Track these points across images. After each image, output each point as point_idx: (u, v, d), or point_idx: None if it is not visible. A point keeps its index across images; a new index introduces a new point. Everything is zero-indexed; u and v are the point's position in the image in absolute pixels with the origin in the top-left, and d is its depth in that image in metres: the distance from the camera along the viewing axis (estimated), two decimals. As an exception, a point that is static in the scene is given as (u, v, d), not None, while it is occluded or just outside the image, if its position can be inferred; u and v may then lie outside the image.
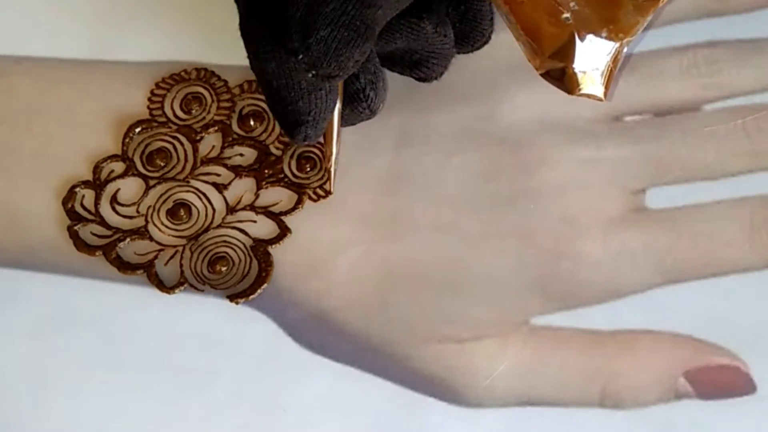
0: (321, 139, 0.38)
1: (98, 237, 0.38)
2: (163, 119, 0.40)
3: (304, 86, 0.34)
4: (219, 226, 0.38)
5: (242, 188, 0.39)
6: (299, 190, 0.39)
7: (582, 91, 0.33)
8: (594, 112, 0.40)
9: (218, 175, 0.39)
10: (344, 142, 0.39)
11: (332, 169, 0.38)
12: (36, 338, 0.37)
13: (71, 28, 0.43)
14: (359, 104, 0.37)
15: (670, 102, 0.40)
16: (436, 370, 0.36)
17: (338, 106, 0.36)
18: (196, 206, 0.39)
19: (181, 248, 0.38)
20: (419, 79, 0.39)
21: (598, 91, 0.33)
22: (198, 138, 0.40)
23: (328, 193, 0.39)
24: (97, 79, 0.42)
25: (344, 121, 0.38)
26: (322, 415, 0.36)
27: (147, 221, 0.39)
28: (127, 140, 0.40)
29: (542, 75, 0.34)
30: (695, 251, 0.37)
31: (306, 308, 0.37)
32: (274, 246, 0.38)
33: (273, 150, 0.40)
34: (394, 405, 0.36)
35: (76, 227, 0.38)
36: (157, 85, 0.41)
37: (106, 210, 0.39)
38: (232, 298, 0.37)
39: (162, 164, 0.39)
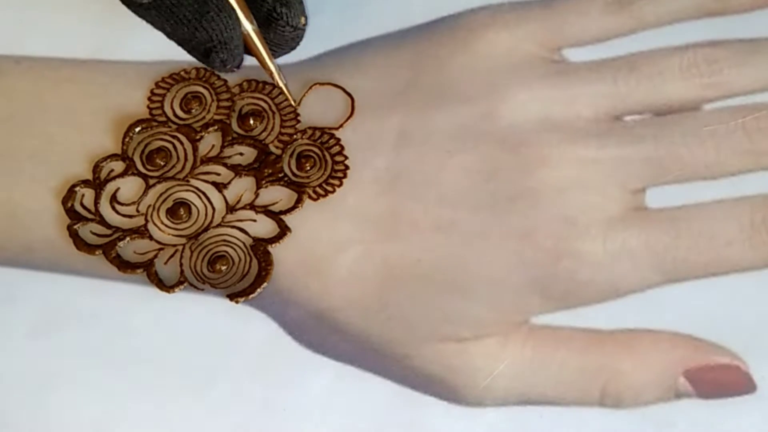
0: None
1: (98, 236, 0.38)
2: (162, 119, 0.40)
3: (190, 17, 0.36)
4: (219, 225, 0.38)
5: (242, 187, 0.39)
6: (299, 189, 0.39)
7: None
8: (594, 111, 0.40)
9: (218, 174, 0.39)
10: (344, 141, 0.39)
11: (282, 84, 0.39)
12: (36, 338, 0.37)
13: (71, 28, 0.43)
14: (277, 24, 0.38)
15: (670, 102, 0.40)
16: (436, 370, 0.36)
17: (254, 28, 0.38)
18: (195, 205, 0.39)
19: (180, 247, 0.38)
20: None
21: None
22: (198, 137, 0.40)
23: (294, 110, 0.40)
24: (97, 79, 0.42)
25: (278, 48, 0.39)
26: (322, 414, 0.36)
27: (147, 220, 0.39)
28: (126, 140, 0.40)
29: None
30: (695, 251, 0.37)
31: (306, 307, 0.37)
32: (273, 245, 0.38)
33: (273, 149, 0.40)
34: (394, 405, 0.36)
35: (75, 226, 0.38)
36: (156, 84, 0.41)
37: (105, 209, 0.39)
38: (232, 297, 0.37)
39: (162, 163, 0.39)
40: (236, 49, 0.37)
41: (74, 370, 0.37)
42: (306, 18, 0.39)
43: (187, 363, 0.37)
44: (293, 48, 0.39)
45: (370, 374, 0.36)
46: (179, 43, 0.38)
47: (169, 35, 0.37)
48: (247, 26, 0.38)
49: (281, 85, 0.39)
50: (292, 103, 0.40)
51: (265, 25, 0.38)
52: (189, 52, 0.38)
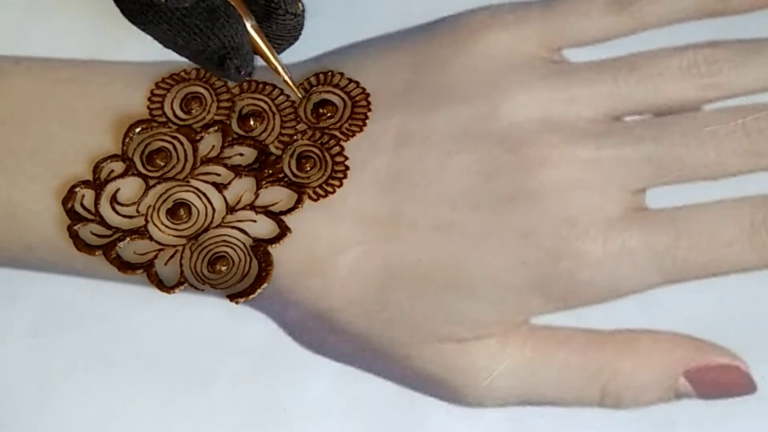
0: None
1: (98, 237, 0.38)
2: (163, 119, 0.40)
3: (202, 26, 0.36)
4: (219, 226, 0.38)
5: (242, 188, 0.39)
6: (299, 189, 0.39)
7: None
8: (594, 112, 0.40)
9: (218, 174, 0.39)
10: (344, 142, 0.39)
11: (287, 78, 0.39)
12: (36, 338, 0.37)
13: (71, 28, 0.43)
14: (276, 13, 0.38)
15: (671, 102, 0.40)
16: (436, 370, 0.36)
17: (253, 24, 0.38)
18: (195, 206, 0.39)
19: (180, 248, 0.38)
20: None
21: None
22: (198, 138, 0.40)
23: (295, 100, 0.40)
24: (97, 79, 0.42)
25: (282, 40, 0.39)
26: (322, 415, 0.36)
27: (147, 221, 0.39)
28: (127, 140, 0.40)
29: None
30: (695, 251, 0.37)
31: (306, 308, 0.37)
32: (274, 245, 0.38)
33: (273, 149, 0.40)
34: (394, 405, 0.36)
35: (76, 227, 0.38)
36: (157, 85, 0.41)
37: (105, 210, 0.39)
38: (232, 297, 0.37)
39: (162, 164, 0.39)
40: (248, 54, 0.38)
41: (74, 370, 0.37)
42: (302, 4, 0.39)
43: (187, 363, 0.37)
44: (296, 38, 0.40)
45: (370, 374, 0.36)
46: (191, 57, 0.38)
47: (181, 49, 0.38)
48: (247, 23, 0.38)
49: (286, 78, 0.39)
50: (297, 95, 0.40)
51: (265, 18, 0.38)
52: (202, 64, 0.38)
